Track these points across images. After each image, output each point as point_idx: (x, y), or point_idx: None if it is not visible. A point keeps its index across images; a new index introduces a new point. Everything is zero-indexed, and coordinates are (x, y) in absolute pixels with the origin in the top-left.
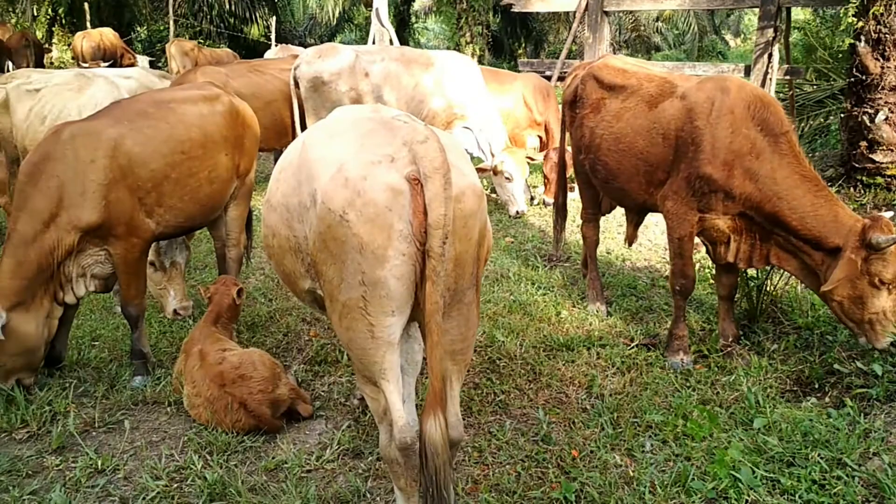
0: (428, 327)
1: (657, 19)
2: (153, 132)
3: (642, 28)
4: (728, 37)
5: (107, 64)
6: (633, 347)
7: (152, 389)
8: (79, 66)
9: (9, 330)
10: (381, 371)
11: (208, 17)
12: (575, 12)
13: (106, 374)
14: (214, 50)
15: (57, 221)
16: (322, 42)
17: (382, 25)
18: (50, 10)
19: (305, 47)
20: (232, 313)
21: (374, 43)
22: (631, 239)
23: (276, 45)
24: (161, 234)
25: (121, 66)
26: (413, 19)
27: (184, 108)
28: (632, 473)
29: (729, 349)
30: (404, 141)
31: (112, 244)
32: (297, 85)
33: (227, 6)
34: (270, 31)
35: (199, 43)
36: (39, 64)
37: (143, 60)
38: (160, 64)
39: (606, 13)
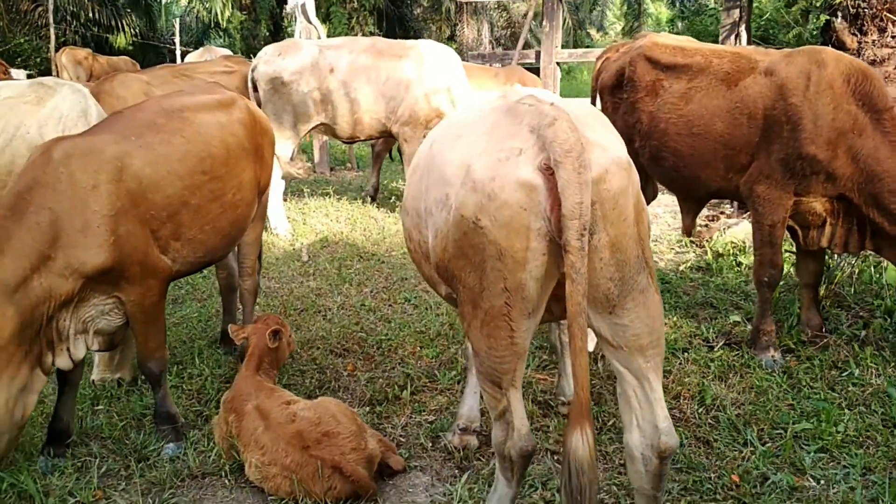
0: (571, 331)
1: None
2: (167, 149)
3: (516, 25)
4: (592, 31)
5: None
6: (718, 350)
7: (194, 459)
8: None
9: None
10: (511, 379)
11: (72, 25)
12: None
13: (128, 446)
14: (111, 58)
15: (49, 265)
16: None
17: (310, 22)
18: None
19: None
20: (273, 358)
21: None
22: (689, 229)
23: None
24: (177, 274)
25: None
26: (286, 22)
27: (200, 118)
28: (818, 494)
29: (825, 341)
30: (531, 127)
31: (124, 290)
32: (255, 88)
33: (91, 14)
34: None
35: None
36: None
37: (18, 74)
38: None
39: (562, 2)
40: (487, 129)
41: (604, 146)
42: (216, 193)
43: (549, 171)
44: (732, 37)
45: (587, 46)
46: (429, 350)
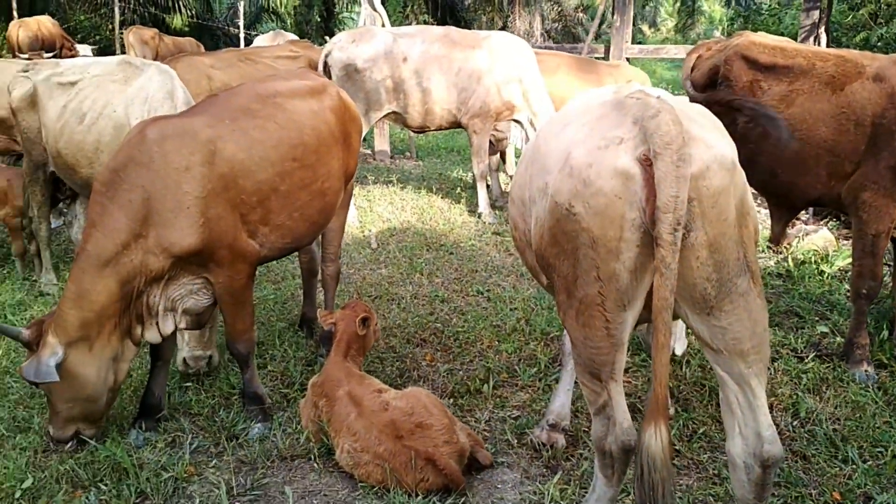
0: (654, 325)
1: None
2: (260, 134)
3: (567, 18)
4: (644, 27)
5: (49, 54)
6: (809, 361)
7: (282, 440)
8: (14, 57)
9: (64, 371)
10: (610, 371)
11: (131, 4)
12: None
13: (217, 424)
14: (177, 39)
15: (140, 242)
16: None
17: (374, 9)
18: None
19: (228, 37)
20: (360, 345)
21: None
22: (779, 238)
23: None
24: (264, 258)
25: (61, 56)
26: (337, 7)
27: (293, 105)
28: None
29: None
30: (634, 119)
31: (213, 272)
32: (328, 73)
33: None
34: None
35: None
36: None
37: (84, 50)
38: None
39: None
40: (593, 119)
41: (708, 143)
42: (305, 181)
43: (647, 162)
44: (811, 39)
45: (639, 42)
46: (507, 345)
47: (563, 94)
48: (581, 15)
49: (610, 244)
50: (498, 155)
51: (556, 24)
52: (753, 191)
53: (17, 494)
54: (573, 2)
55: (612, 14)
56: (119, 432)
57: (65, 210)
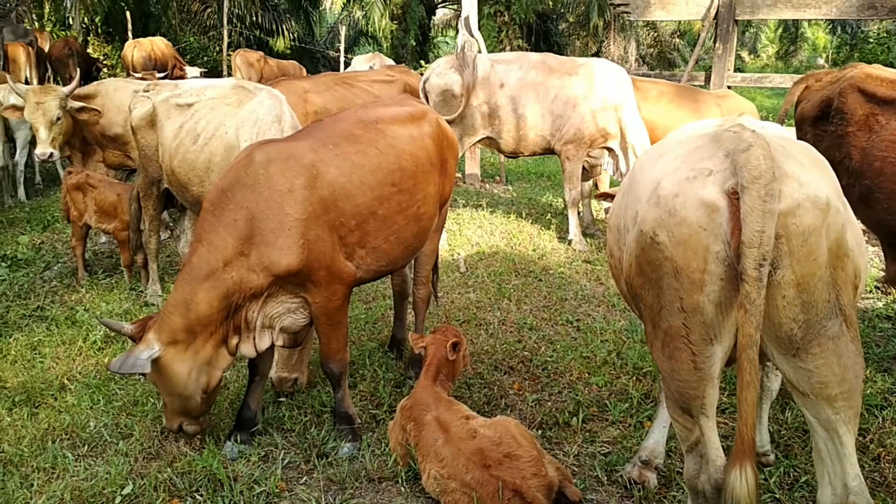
0: (739, 363)
1: (674, 34)
2: (361, 159)
3: (663, 43)
4: (743, 53)
5: (161, 74)
6: None
7: (371, 461)
8: (128, 75)
9: (161, 367)
10: (701, 406)
11: (237, 27)
12: (703, 21)
13: (308, 441)
14: (280, 62)
15: (242, 260)
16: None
17: (472, 35)
18: (86, 18)
19: (327, 59)
20: (450, 370)
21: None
22: (894, 279)
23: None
24: (360, 280)
25: (172, 76)
26: (432, 32)
27: (393, 130)
28: None
29: None
30: (727, 151)
31: (310, 291)
32: (426, 98)
33: (255, 18)
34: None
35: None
36: (85, 73)
37: (193, 71)
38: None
39: (737, 22)
40: (687, 151)
41: (801, 181)
42: (402, 205)
43: (735, 196)
44: None
45: (738, 69)
46: (597, 378)
47: (666, 124)
48: (677, 40)
49: (693, 275)
50: (591, 182)
51: (652, 50)
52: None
53: (118, 500)
54: (669, 27)
55: (714, 41)
56: (215, 444)
57: (171, 224)
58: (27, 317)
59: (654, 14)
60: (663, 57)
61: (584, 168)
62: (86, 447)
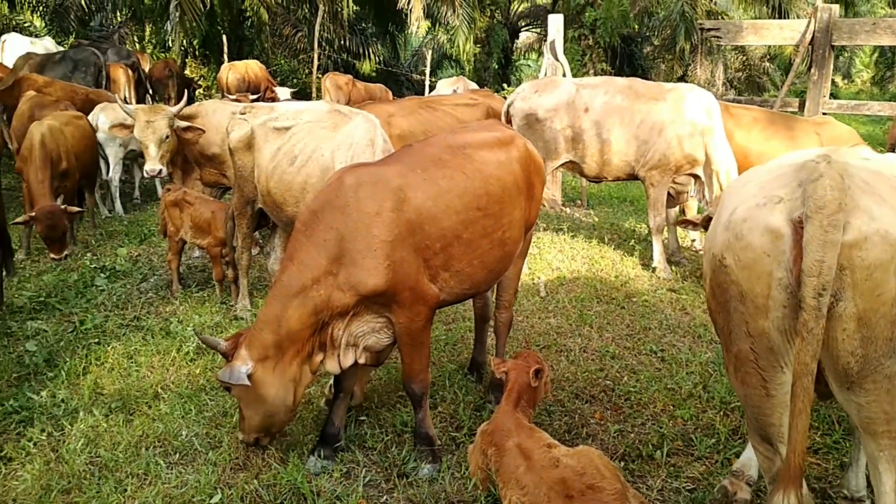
0: (793, 390)
1: (763, 58)
2: (448, 184)
3: (752, 67)
4: (836, 78)
5: (254, 96)
6: None
7: (450, 483)
8: (223, 97)
9: (251, 382)
10: (779, 434)
11: (326, 51)
12: (798, 46)
13: (389, 460)
14: (368, 85)
15: (330, 279)
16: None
17: (557, 59)
18: (185, 41)
19: (411, 82)
20: (531, 397)
21: (545, 77)
22: None
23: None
24: (443, 302)
25: (264, 98)
26: (515, 55)
27: (481, 156)
28: None
29: None
30: (800, 181)
31: (395, 312)
32: (509, 122)
33: (343, 42)
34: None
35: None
36: (182, 94)
37: (284, 93)
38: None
39: (833, 47)
40: (769, 178)
41: (874, 215)
42: (487, 230)
43: (800, 225)
44: None
45: (832, 95)
46: (682, 411)
47: (760, 151)
48: (767, 64)
49: (757, 300)
50: (676, 208)
51: (740, 74)
52: None
53: None
54: (759, 50)
55: (809, 66)
56: (299, 458)
57: (260, 241)
58: (124, 326)
59: (747, 39)
60: (752, 81)
61: (669, 194)
62: (177, 455)
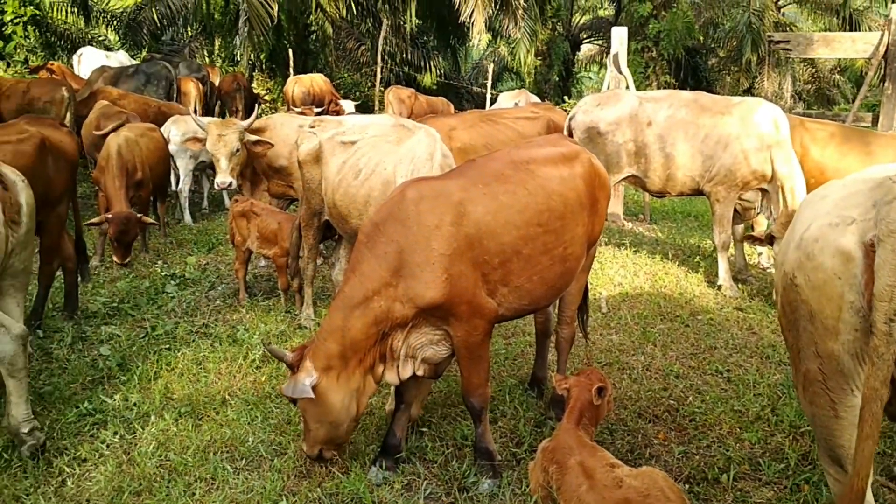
0: (861, 414)
1: (833, 70)
2: (509, 199)
3: (821, 80)
4: None
5: (318, 109)
6: None
7: (511, 499)
8: (288, 110)
9: (315, 395)
10: (847, 456)
11: (388, 64)
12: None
13: (449, 473)
14: (430, 98)
15: (390, 291)
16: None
17: (620, 72)
18: (253, 55)
19: (471, 94)
20: (593, 414)
21: (608, 90)
22: None
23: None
24: (501, 317)
25: (328, 111)
26: (576, 68)
27: (544, 171)
28: None
29: None
30: (875, 201)
31: (452, 325)
32: (570, 135)
33: (405, 55)
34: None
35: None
36: (249, 107)
37: (348, 105)
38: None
39: None
40: (842, 196)
41: None
42: (548, 246)
43: (872, 248)
44: None
45: None
46: (749, 434)
47: (836, 167)
48: (837, 77)
49: (827, 322)
50: (742, 225)
51: (809, 86)
52: None
53: None
54: (829, 63)
55: (882, 80)
56: (361, 468)
57: (324, 252)
58: (193, 333)
59: (817, 52)
60: (822, 94)
61: (735, 210)
62: (243, 461)
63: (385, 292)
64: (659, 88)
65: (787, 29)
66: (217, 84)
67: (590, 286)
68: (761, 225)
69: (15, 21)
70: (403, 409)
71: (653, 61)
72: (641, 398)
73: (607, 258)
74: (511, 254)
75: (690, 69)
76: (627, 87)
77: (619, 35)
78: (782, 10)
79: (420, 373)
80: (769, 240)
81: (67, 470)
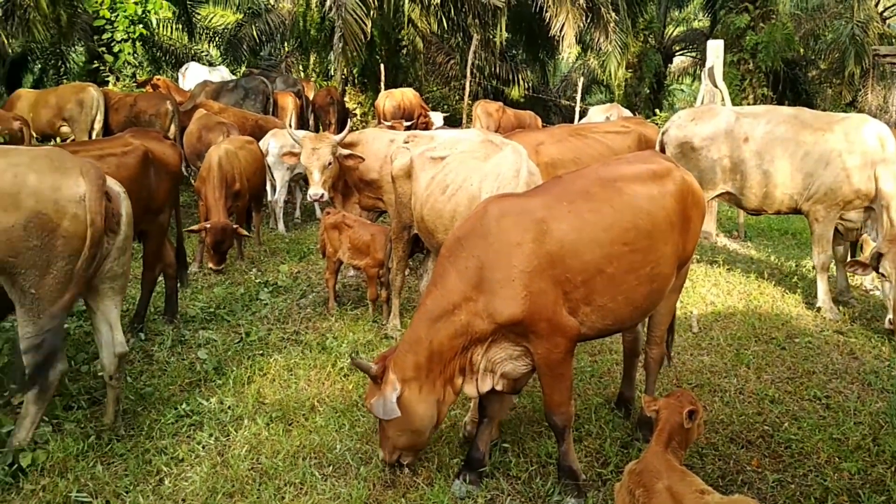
0: None
1: None
2: (594, 217)
3: None
4: None
5: (407, 123)
6: None
7: None
8: (379, 123)
9: (399, 405)
10: None
11: (476, 78)
12: None
13: (533, 490)
14: (518, 112)
15: (470, 305)
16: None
17: (716, 86)
18: (346, 69)
19: (559, 107)
20: (683, 438)
21: (702, 104)
22: None
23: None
24: (584, 336)
25: (416, 125)
26: (668, 80)
27: (632, 189)
28: None
29: None
30: None
31: (532, 342)
32: (663, 150)
33: (493, 69)
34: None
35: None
36: (342, 120)
37: (437, 118)
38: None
39: None
40: None
41: None
42: (634, 265)
43: None
44: None
45: None
46: (849, 464)
47: None
48: None
49: None
50: (844, 245)
51: None
52: None
53: None
54: None
55: None
56: (445, 480)
57: (410, 264)
58: (285, 340)
59: None
60: None
61: (838, 230)
62: (331, 468)
63: (466, 306)
64: (756, 101)
65: (893, 41)
66: (311, 98)
67: (681, 304)
68: (871, 245)
69: (125, 39)
70: (486, 424)
71: (749, 74)
72: (734, 422)
73: (699, 276)
74: (594, 272)
75: (789, 82)
76: (723, 101)
77: (716, 48)
78: (888, 21)
79: (499, 387)
80: (875, 264)
81: (165, 469)
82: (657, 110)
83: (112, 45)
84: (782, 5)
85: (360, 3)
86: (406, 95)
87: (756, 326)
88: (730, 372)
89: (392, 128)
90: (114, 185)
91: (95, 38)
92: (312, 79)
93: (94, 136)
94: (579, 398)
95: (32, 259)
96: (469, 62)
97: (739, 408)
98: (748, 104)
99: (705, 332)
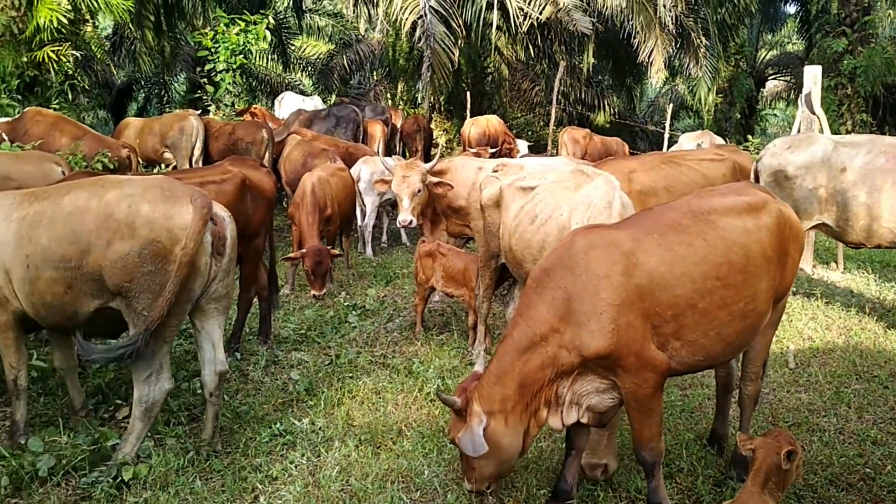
0: None
1: None
2: (685, 250)
3: None
4: None
5: (492, 150)
6: None
7: None
8: (464, 150)
9: (485, 436)
10: None
11: (561, 104)
12: None
13: None
14: (605, 139)
15: (556, 337)
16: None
17: (813, 112)
18: (433, 97)
19: (645, 133)
20: (780, 479)
21: (798, 131)
22: None
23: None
24: (673, 371)
25: (500, 152)
26: (760, 105)
27: (725, 222)
28: None
29: None
30: None
31: (620, 376)
32: (756, 179)
33: (579, 94)
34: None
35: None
36: (428, 147)
37: (522, 147)
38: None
39: None
40: None
41: None
42: (726, 301)
43: None
44: None
45: None
46: None
47: None
48: None
49: None
50: None
51: None
52: None
53: None
54: None
55: None
56: None
57: (502, 292)
58: (373, 363)
59: None
60: None
61: None
62: (418, 493)
63: (552, 338)
64: (854, 127)
65: None
66: (399, 125)
67: (776, 339)
68: None
69: (226, 69)
70: (574, 455)
71: (847, 99)
72: (833, 464)
73: (796, 309)
74: (685, 307)
75: (889, 107)
76: (821, 128)
77: (813, 73)
78: None
79: (584, 420)
80: None
81: (260, 487)
82: (749, 136)
83: (213, 75)
84: (881, 28)
85: (448, 33)
86: (491, 122)
87: (857, 363)
88: (829, 411)
89: (477, 155)
90: (220, 209)
91: (197, 68)
92: (400, 106)
93: (194, 163)
94: (669, 433)
95: (147, 283)
96: (555, 89)
97: (839, 449)
98: (846, 130)
99: (803, 369)
